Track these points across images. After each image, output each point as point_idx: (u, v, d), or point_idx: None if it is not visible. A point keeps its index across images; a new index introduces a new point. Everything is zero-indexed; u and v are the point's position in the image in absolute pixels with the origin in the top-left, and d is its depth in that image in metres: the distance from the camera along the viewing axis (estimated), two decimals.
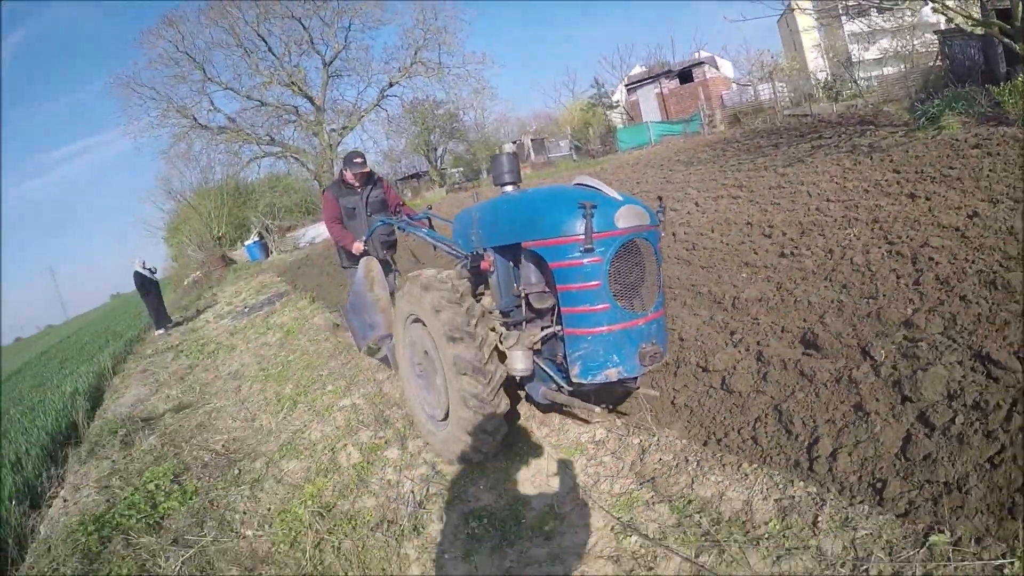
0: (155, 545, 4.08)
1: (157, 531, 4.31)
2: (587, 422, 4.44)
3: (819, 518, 2.92)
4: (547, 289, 3.94)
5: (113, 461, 5.93)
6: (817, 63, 34.66)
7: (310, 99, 35.18)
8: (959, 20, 14.20)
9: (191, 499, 4.66)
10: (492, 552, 3.40)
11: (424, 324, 4.22)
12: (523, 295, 3.99)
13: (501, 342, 3.99)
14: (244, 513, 4.26)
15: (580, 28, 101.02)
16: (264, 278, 19.81)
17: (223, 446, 5.64)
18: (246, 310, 14.20)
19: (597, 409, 3.83)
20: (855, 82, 29.57)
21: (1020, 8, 11.94)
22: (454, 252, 4.93)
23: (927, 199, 7.36)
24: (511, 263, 4.23)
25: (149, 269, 15.23)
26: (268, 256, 29.39)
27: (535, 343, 3.94)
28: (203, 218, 33.18)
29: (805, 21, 32.59)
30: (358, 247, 6.16)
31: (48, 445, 7.00)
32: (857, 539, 2.75)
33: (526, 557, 3.36)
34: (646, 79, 38.15)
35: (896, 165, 9.71)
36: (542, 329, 3.97)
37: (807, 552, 2.76)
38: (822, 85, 29.99)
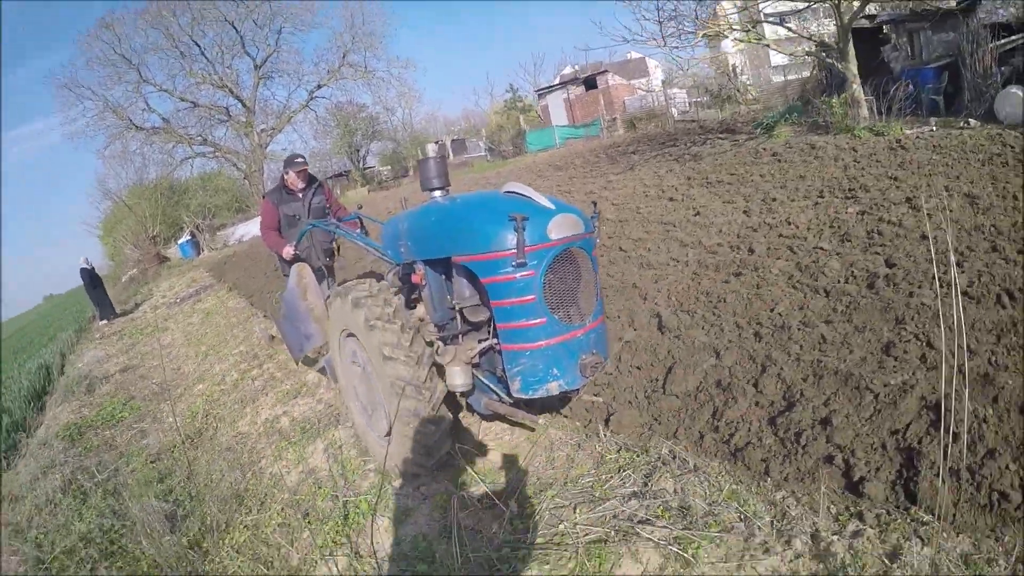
0: (113, 432, 6.97)
1: (114, 426, 7.19)
2: (532, 430, 4.33)
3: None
4: (482, 303, 3.85)
5: (81, 401, 8.72)
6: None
7: (241, 101, 36.78)
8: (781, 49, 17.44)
9: (136, 411, 7.54)
10: None
11: (358, 338, 4.09)
12: (457, 308, 3.90)
13: (438, 355, 3.90)
14: (168, 413, 7.16)
15: (508, 30, 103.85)
16: (195, 274, 22.31)
17: (157, 384, 8.51)
18: (177, 300, 16.90)
19: (541, 420, 3.89)
20: (738, 91, 32.64)
21: (838, 35, 14.21)
22: (385, 258, 4.74)
23: (683, 200, 10.02)
24: (443, 276, 4.12)
25: (92, 266, 17.73)
26: (200, 254, 31.50)
27: (473, 357, 3.86)
28: (138, 217, 34.69)
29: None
30: (288, 251, 6.01)
31: (30, 396, 9.78)
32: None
33: None
34: (555, 85, 41.29)
35: (695, 171, 12.48)
36: (479, 342, 3.89)
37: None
38: (711, 94, 33.03)
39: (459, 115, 51.77)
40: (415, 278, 4.17)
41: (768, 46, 16.71)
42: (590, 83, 39.60)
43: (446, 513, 3.39)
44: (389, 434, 3.94)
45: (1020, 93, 11.28)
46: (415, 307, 4.44)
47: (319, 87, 38.60)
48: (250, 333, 9.53)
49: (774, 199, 8.88)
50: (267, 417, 5.87)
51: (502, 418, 4.35)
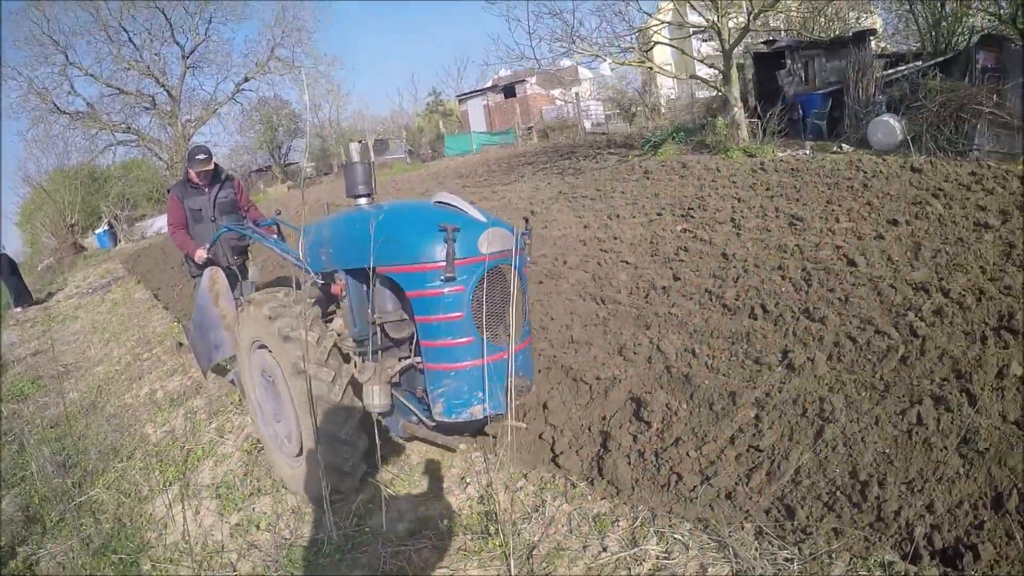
0: (21, 405, 8.24)
1: (22, 401, 8.45)
2: (452, 450, 4.37)
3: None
4: (405, 317, 3.76)
5: None
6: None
7: (167, 90, 36.50)
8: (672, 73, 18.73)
9: (43, 388, 8.80)
10: None
11: (271, 351, 3.96)
12: (378, 323, 3.79)
13: (356, 372, 3.85)
14: (70, 389, 8.44)
15: (438, 33, 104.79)
16: (110, 265, 23.06)
17: (63, 366, 9.75)
18: (90, 291, 17.87)
19: (462, 446, 3.84)
20: (646, 106, 34.15)
21: (723, 59, 14.85)
22: (304, 267, 4.41)
23: (540, 214, 11.07)
24: (365, 288, 3.91)
25: (8, 253, 18.51)
26: (117, 244, 31.81)
27: (393, 376, 3.79)
28: (57, 205, 34.71)
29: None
30: (200, 254, 5.83)
31: None
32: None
33: None
34: (475, 91, 42.73)
35: (568, 185, 13.55)
36: (400, 360, 3.82)
37: None
38: (622, 108, 34.45)
39: (387, 114, 52.36)
40: (335, 288, 4.02)
41: (651, 68, 17.26)
42: (509, 91, 41.02)
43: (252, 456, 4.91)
44: (300, 455, 3.88)
45: (891, 121, 11.79)
46: (332, 320, 4.29)
47: (246, 79, 38.61)
48: (147, 322, 10.83)
49: (618, 215, 10.04)
50: (148, 391, 7.28)
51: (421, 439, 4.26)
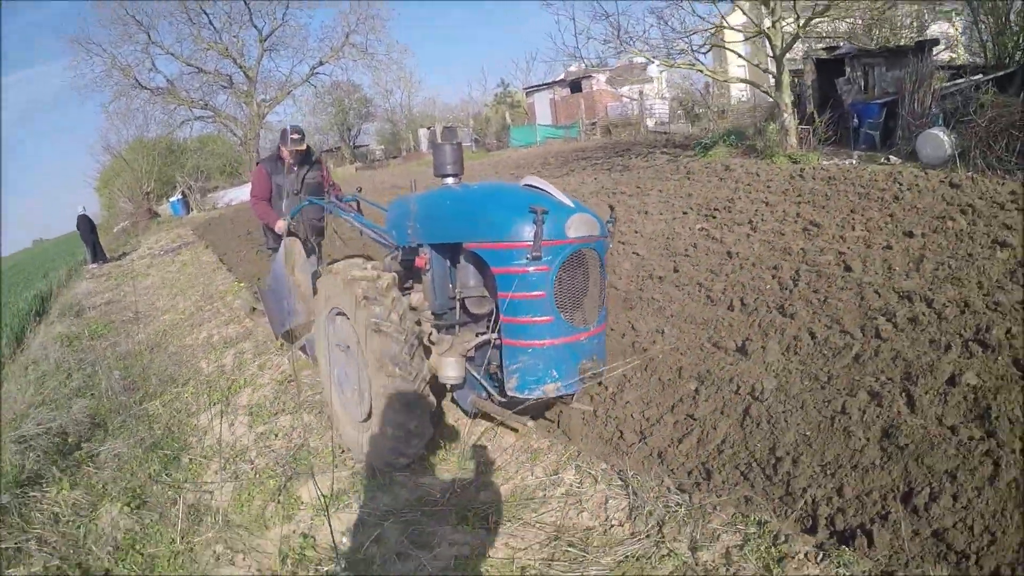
0: (94, 342, 9.19)
1: (97, 339, 9.40)
2: (516, 431, 4.46)
3: None
4: (486, 294, 3.85)
5: (71, 322, 10.92)
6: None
7: (244, 71, 37.71)
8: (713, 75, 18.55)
9: (114, 330, 9.76)
10: None
11: (347, 317, 4.09)
12: (459, 298, 3.89)
13: (431, 343, 3.95)
14: (139, 332, 9.35)
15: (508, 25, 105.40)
16: (181, 231, 24.40)
17: (133, 313, 10.72)
18: (162, 252, 19.10)
19: (530, 423, 3.80)
20: (708, 108, 33.86)
21: (774, 69, 14.75)
22: (384, 241, 4.71)
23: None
24: (448, 263, 4.07)
25: (88, 213, 19.89)
26: (189, 213, 33.35)
27: (468, 350, 3.88)
28: (135, 173, 36.29)
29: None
30: (280, 225, 5.98)
31: (28, 315, 12.00)
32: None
33: None
34: (542, 85, 43.18)
35: (612, 181, 13.99)
36: (477, 335, 3.90)
37: None
38: (684, 109, 34.04)
39: (458, 103, 53.10)
40: (419, 261, 4.07)
41: (702, 72, 17.29)
42: (575, 86, 41.28)
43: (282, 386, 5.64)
44: (368, 419, 3.99)
45: (940, 135, 11.34)
46: (409, 295, 4.34)
47: (320, 63, 39.53)
48: (211, 281, 11.74)
49: (646, 212, 10.33)
50: (206, 335, 8.13)
51: (487, 417, 4.38)
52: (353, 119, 46.30)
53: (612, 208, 4.81)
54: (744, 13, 15.89)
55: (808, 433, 3.97)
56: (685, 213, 9.97)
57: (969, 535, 3.13)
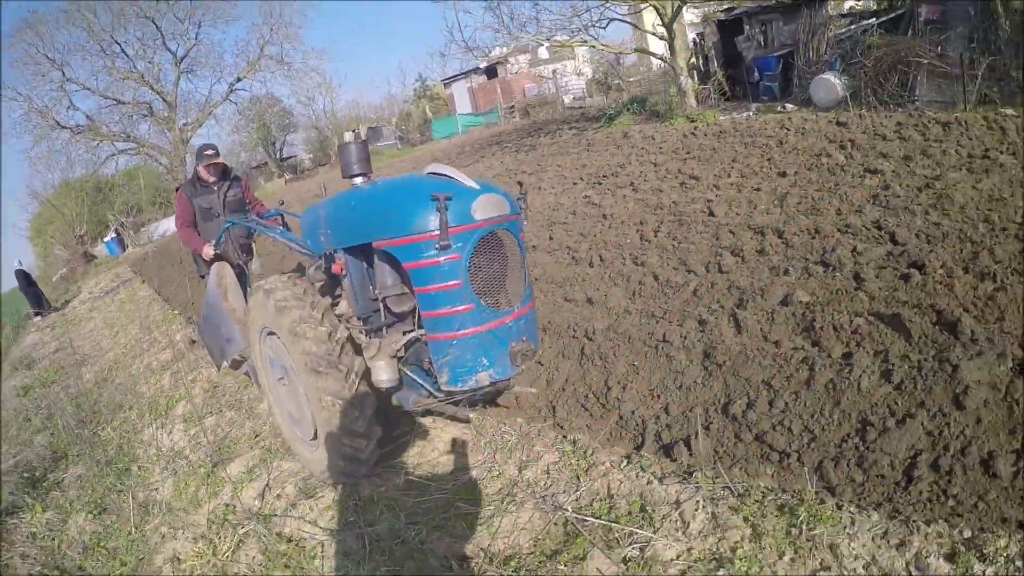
0: (48, 389, 9.89)
1: (50, 385, 10.09)
2: (465, 421, 4.49)
3: None
4: (406, 291, 3.77)
5: (24, 373, 11.56)
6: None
7: (162, 96, 37.43)
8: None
9: (64, 374, 10.45)
10: None
11: (277, 336, 3.99)
12: (380, 299, 3.82)
13: (361, 351, 3.82)
14: (87, 373, 10.05)
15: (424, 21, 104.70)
16: (119, 270, 24.61)
17: (80, 355, 11.40)
18: (101, 294, 19.58)
19: (472, 414, 3.85)
20: (620, 79, 34.44)
21: (667, 32, 15.48)
22: (307, 252, 4.59)
23: None
24: (365, 264, 4.00)
25: (24, 267, 20.26)
26: (125, 250, 33.45)
27: (398, 350, 3.79)
28: (66, 217, 36.29)
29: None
30: (207, 251, 5.87)
31: None
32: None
33: None
34: (459, 75, 43.71)
35: (515, 161, 14.85)
36: (404, 334, 3.80)
37: None
38: (597, 82, 33.83)
39: (381, 102, 53.22)
40: (335, 268, 3.96)
41: (594, 47, 17.68)
42: (491, 72, 41.86)
43: (210, 394, 6.52)
44: (315, 438, 3.95)
45: (831, 79, 12.06)
46: (339, 303, 4.26)
47: (238, 80, 39.43)
48: (148, 314, 12.45)
49: (540, 188, 10.87)
50: (147, 363, 8.86)
51: (433, 412, 4.35)
52: (276, 132, 46.37)
53: (521, 184, 4.78)
54: None
55: (636, 363, 4.50)
56: (575, 184, 10.56)
57: (789, 435, 3.43)
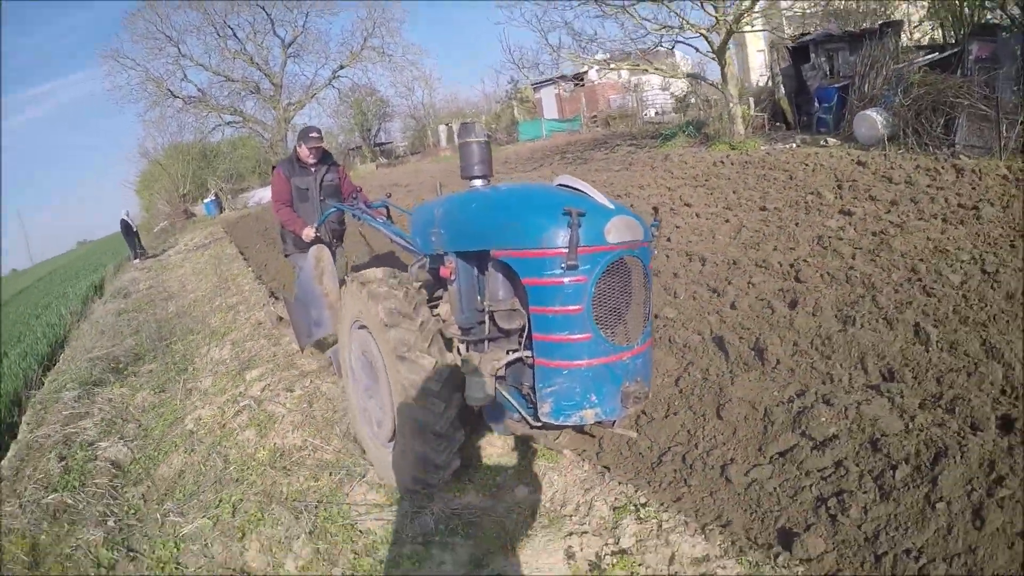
0: (139, 313, 12.02)
1: (141, 311, 12.21)
2: (551, 449, 4.18)
3: None
4: (517, 307, 3.41)
5: (121, 300, 13.82)
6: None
7: (269, 77, 39.81)
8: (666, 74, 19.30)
9: (153, 305, 12.57)
10: None
11: (370, 333, 3.75)
12: (488, 311, 3.49)
13: (460, 362, 3.55)
14: (171, 306, 12.14)
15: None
16: (213, 229, 27.30)
17: (168, 293, 13.55)
18: (194, 248, 22.11)
19: (566, 451, 3.65)
20: (699, 98, 33.87)
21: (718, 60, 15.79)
22: (413, 249, 4.41)
23: None
24: (476, 272, 3.70)
25: (130, 218, 22.94)
26: (222, 212, 36.05)
27: (498, 369, 3.45)
28: (171, 177, 39.40)
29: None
30: (308, 233, 5.79)
31: (87, 297, 15.02)
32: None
33: None
34: (548, 80, 44.90)
35: (568, 173, 16.35)
36: (508, 352, 3.48)
37: None
38: (676, 99, 32.89)
39: (479, 100, 54.66)
40: (444, 271, 3.72)
41: (647, 71, 18.01)
42: (579, 79, 42.30)
43: (257, 328, 8.42)
44: (392, 440, 3.78)
45: (873, 115, 11.63)
46: (438, 305, 4.08)
47: (341, 67, 41.31)
48: (229, 268, 14.53)
49: None
50: (218, 304, 10.88)
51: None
52: (372, 119, 48.72)
53: (656, 209, 4.43)
54: (678, 15, 16.49)
55: None
56: None
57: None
